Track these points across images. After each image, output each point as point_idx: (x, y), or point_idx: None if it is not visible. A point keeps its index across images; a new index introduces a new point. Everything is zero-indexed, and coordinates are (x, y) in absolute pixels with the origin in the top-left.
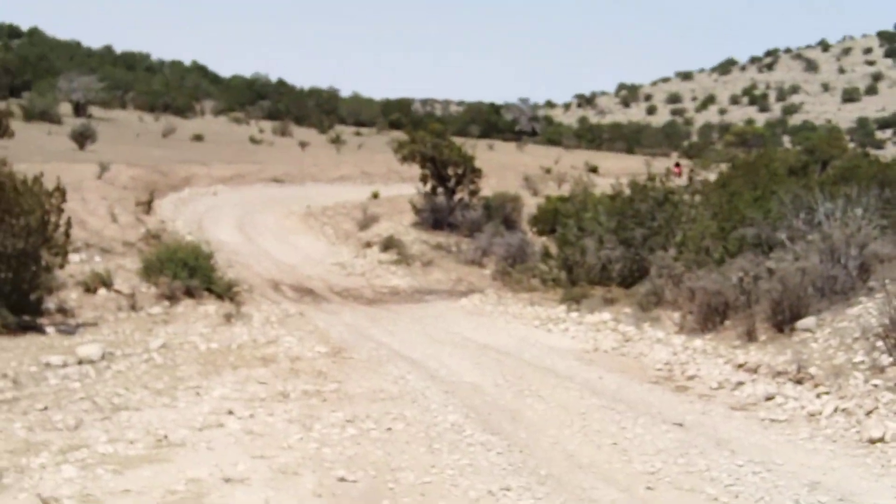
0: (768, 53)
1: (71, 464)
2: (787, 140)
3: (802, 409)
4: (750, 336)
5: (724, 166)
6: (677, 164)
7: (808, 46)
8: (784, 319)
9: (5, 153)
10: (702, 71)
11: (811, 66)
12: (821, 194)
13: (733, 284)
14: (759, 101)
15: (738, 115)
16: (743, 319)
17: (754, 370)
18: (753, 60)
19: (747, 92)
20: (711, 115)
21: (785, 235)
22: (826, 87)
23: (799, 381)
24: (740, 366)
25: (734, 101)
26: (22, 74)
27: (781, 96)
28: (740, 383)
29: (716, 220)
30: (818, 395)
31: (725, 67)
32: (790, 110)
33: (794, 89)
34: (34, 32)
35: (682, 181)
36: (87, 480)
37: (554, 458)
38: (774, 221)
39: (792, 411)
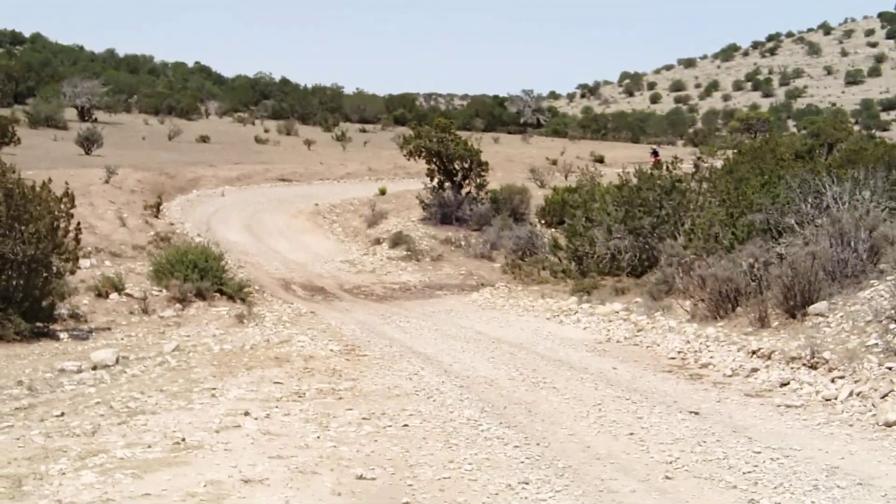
0: (770, 38)
1: (90, 469)
2: (791, 124)
3: (817, 394)
4: (762, 322)
5: (730, 153)
6: (654, 153)
7: (810, 30)
8: (796, 305)
9: (13, 160)
10: (704, 57)
11: (814, 50)
12: (828, 178)
13: (744, 271)
14: (763, 87)
15: (742, 100)
16: (755, 306)
17: (768, 356)
18: (756, 45)
19: (750, 77)
20: (715, 102)
21: (794, 220)
22: (829, 71)
23: (813, 366)
24: (754, 352)
25: (738, 86)
26: (26, 81)
27: (785, 81)
28: (754, 370)
29: (724, 206)
30: (833, 380)
31: (728, 53)
32: (794, 94)
33: (798, 73)
34: (37, 38)
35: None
36: (106, 485)
37: (571, 450)
38: (783, 206)
39: (807, 396)
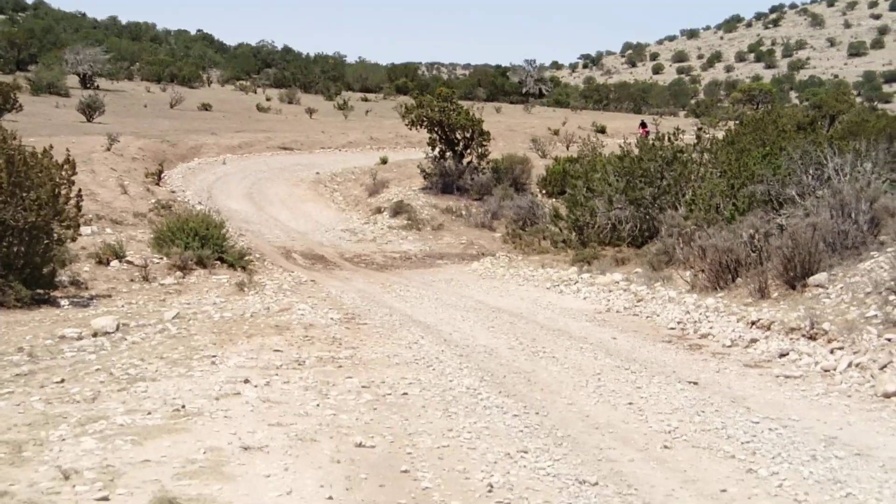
0: (773, 9)
1: (90, 435)
2: (794, 96)
3: (816, 364)
4: (762, 293)
5: (731, 124)
6: (643, 124)
7: (814, 2)
8: (796, 276)
9: (14, 127)
10: (707, 28)
11: (817, 21)
12: (829, 149)
13: (744, 242)
14: (766, 58)
15: (745, 72)
16: (754, 276)
17: (767, 327)
18: (759, 17)
19: (753, 49)
20: (718, 73)
21: (795, 191)
22: (832, 42)
23: (812, 337)
24: (753, 323)
25: (740, 58)
26: (28, 48)
27: (787, 52)
28: (754, 340)
29: (725, 177)
30: (832, 351)
31: (731, 25)
32: (796, 66)
33: (801, 45)
34: (39, 5)
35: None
36: (106, 452)
37: (570, 419)
38: (784, 178)
39: (806, 367)
